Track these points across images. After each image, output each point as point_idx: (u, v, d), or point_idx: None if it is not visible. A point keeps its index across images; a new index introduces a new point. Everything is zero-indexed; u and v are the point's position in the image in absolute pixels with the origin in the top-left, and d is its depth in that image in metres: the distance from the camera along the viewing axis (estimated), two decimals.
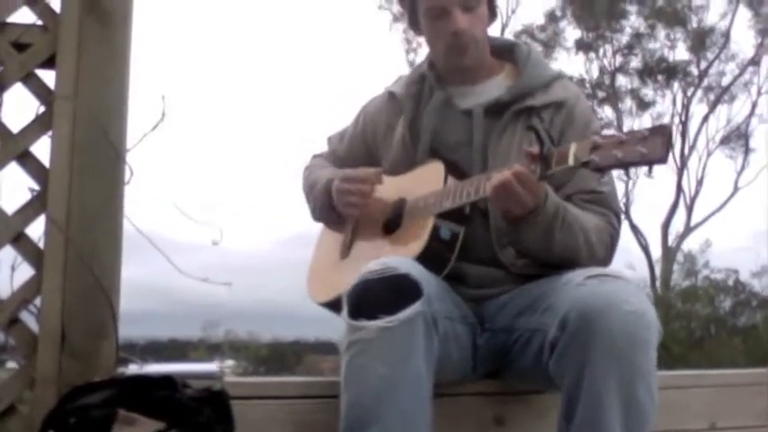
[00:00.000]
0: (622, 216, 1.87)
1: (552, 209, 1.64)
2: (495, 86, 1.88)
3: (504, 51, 1.94)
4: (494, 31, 1.94)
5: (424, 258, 1.66)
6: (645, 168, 1.43)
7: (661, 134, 1.40)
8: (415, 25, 1.91)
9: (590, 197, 1.77)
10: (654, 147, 1.40)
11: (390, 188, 1.93)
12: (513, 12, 20.15)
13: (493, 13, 1.89)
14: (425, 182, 1.82)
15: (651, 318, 1.48)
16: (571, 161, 1.51)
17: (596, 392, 1.44)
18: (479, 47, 1.86)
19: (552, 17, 19.68)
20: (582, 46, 19.63)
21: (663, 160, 1.40)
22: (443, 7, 1.79)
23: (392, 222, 1.89)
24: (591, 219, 1.74)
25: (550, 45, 19.48)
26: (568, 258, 1.68)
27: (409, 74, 1.99)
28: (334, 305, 1.78)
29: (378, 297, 1.49)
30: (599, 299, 1.46)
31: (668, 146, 1.39)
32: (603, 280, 1.51)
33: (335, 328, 1.61)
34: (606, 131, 1.78)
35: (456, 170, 1.80)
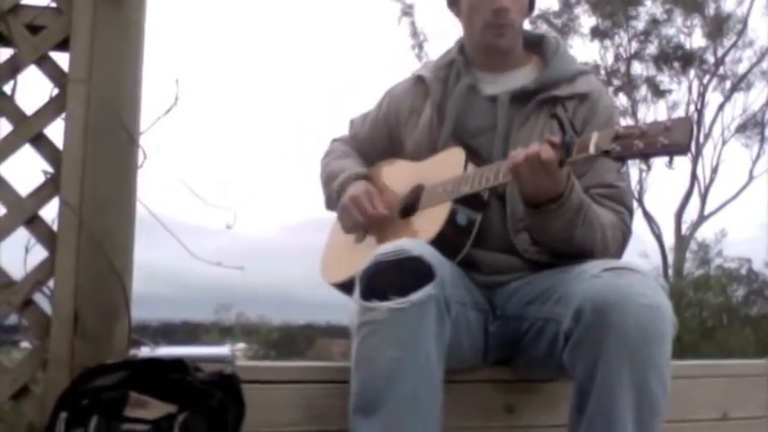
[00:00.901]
0: (634, 213, 1.87)
1: (576, 202, 1.64)
2: (522, 76, 1.89)
3: (533, 44, 1.96)
4: None
5: (439, 243, 1.66)
6: (665, 159, 1.42)
7: (684, 125, 1.40)
8: (453, 4, 1.94)
9: (606, 191, 1.77)
10: (676, 138, 1.39)
11: (409, 173, 1.93)
12: None
13: (531, 8, 1.92)
14: (445, 168, 1.82)
15: (666, 311, 1.47)
16: (592, 150, 1.50)
17: (609, 385, 1.43)
18: (515, 33, 1.89)
19: (567, 3, 19.49)
20: (597, 33, 19.45)
21: (685, 151, 1.40)
22: None
23: (409, 207, 1.90)
24: (607, 216, 1.74)
25: (565, 31, 19.30)
26: (583, 252, 1.69)
27: (438, 58, 2.01)
28: (346, 286, 1.78)
29: (390, 279, 1.49)
30: (614, 292, 1.46)
31: (690, 137, 1.39)
32: (619, 273, 1.50)
33: (345, 312, 1.61)
34: (623, 122, 1.79)
35: (476, 156, 1.81)
